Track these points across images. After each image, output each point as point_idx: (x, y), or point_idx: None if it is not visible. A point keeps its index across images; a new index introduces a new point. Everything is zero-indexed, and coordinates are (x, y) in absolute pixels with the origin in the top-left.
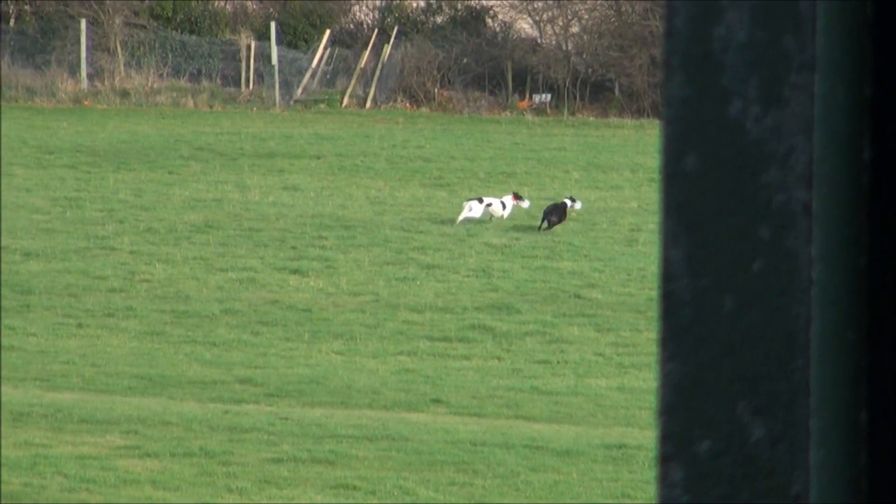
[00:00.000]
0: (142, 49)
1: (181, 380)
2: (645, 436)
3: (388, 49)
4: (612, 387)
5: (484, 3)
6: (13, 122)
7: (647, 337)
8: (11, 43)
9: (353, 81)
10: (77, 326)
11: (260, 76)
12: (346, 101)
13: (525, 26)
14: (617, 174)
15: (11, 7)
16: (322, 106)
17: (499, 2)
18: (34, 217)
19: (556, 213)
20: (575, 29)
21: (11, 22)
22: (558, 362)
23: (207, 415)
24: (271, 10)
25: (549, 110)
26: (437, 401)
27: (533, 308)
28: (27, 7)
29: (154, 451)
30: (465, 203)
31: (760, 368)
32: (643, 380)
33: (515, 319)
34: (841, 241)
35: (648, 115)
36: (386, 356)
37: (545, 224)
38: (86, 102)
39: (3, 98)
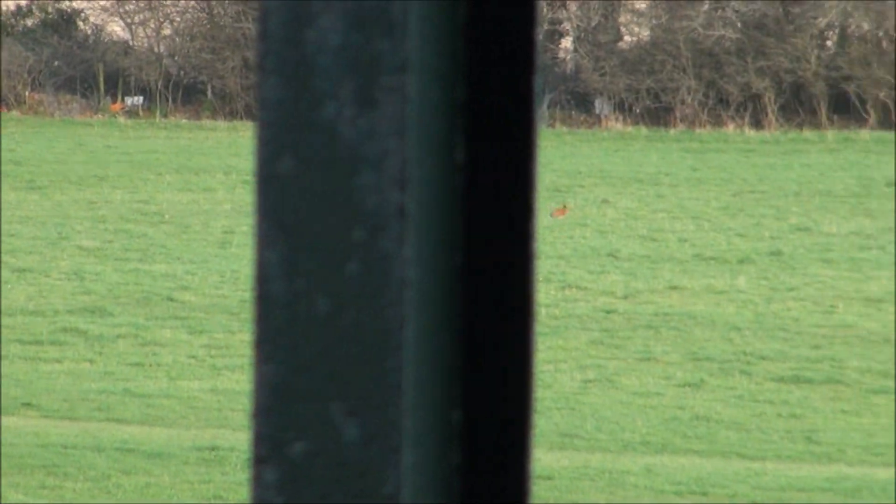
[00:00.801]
0: None
1: None
2: (238, 437)
3: None
4: (204, 389)
5: (75, 5)
6: None
7: (240, 339)
8: None
9: None
10: None
11: None
12: None
13: (117, 29)
14: (210, 176)
15: None
16: None
17: (90, 4)
18: None
19: None
20: (167, 31)
21: None
22: (151, 365)
23: None
24: None
25: (141, 112)
26: (27, 404)
27: (125, 311)
28: None
29: None
30: None
31: (355, 370)
32: (236, 381)
33: (108, 322)
34: (435, 243)
35: (241, 118)
36: None
37: None
38: None
39: None
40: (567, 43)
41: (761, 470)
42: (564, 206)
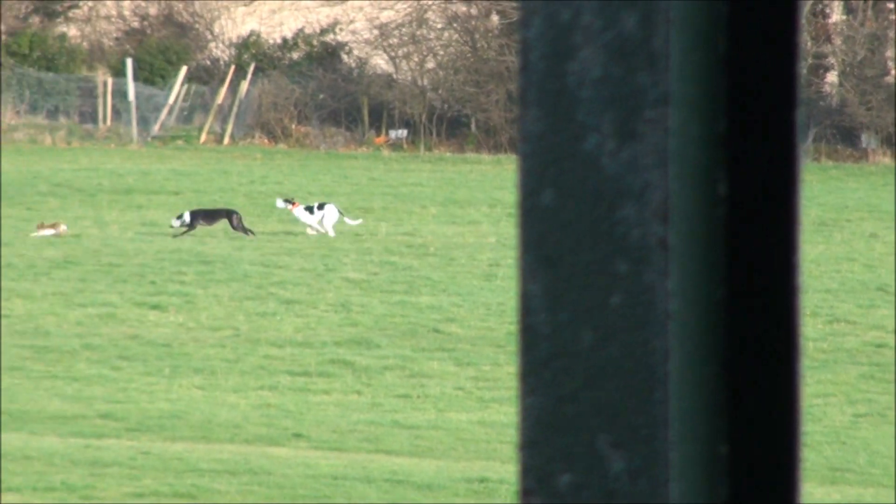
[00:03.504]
0: None
1: (42, 415)
2: (507, 469)
3: (244, 85)
4: (472, 421)
5: (339, 39)
6: None
7: (506, 371)
8: None
9: (210, 118)
10: None
11: (117, 112)
12: (203, 137)
13: (381, 62)
14: (475, 209)
15: None
16: (180, 142)
17: (354, 37)
18: None
19: (206, 218)
20: (430, 64)
21: None
22: (418, 396)
23: (69, 449)
24: (127, 46)
25: (405, 146)
26: (298, 435)
27: (392, 342)
28: None
29: (16, 485)
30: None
31: (619, 402)
32: (504, 414)
33: (375, 354)
34: (698, 275)
35: (505, 151)
36: (247, 391)
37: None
38: None
39: None
40: (832, 77)
41: None
42: (54, 224)
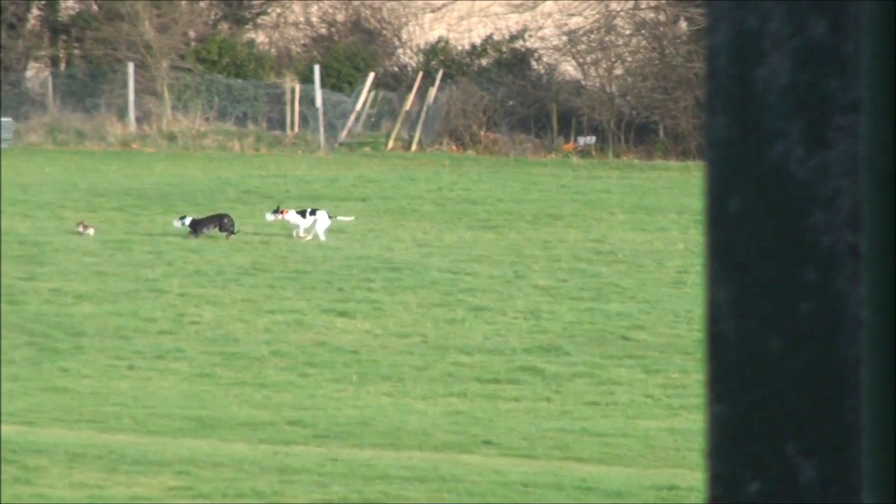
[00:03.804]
0: (188, 92)
1: (231, 421)
2: (696, 477)
3: (433, 92)
4: (661, 428)
5: (528, 45)
6: (64, 165)
7: (695, 378)
8: (62, 87)
9: (398, 124)
10: (128, 368)
11: (304, 119)
12: (391, 143)
13: (569, 68)
14: (663, 216)
15: (62, 51)
16: (367, 149)
17: (543, 44)
18: (85, 260)
19: (206, 224)
20: (619, 71)
21: (62, 66)
22: (607, 404)
23: (258, 456)
24: (315, 52)
25: (594, 152)
26: (487, 442)
27: (581, 350)
28: (76, 51)
29: (206, 492)
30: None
31: (809, 410)
32: (693, 421)
33: (564, 361)
34: (890, 283)
35: (694, 158)
36: (435, 398)
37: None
38: (134, 146)
39: (55, 142)
40: None
41: None
42: (86, 225)
